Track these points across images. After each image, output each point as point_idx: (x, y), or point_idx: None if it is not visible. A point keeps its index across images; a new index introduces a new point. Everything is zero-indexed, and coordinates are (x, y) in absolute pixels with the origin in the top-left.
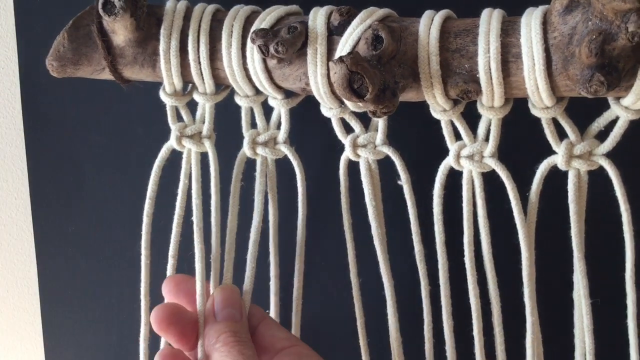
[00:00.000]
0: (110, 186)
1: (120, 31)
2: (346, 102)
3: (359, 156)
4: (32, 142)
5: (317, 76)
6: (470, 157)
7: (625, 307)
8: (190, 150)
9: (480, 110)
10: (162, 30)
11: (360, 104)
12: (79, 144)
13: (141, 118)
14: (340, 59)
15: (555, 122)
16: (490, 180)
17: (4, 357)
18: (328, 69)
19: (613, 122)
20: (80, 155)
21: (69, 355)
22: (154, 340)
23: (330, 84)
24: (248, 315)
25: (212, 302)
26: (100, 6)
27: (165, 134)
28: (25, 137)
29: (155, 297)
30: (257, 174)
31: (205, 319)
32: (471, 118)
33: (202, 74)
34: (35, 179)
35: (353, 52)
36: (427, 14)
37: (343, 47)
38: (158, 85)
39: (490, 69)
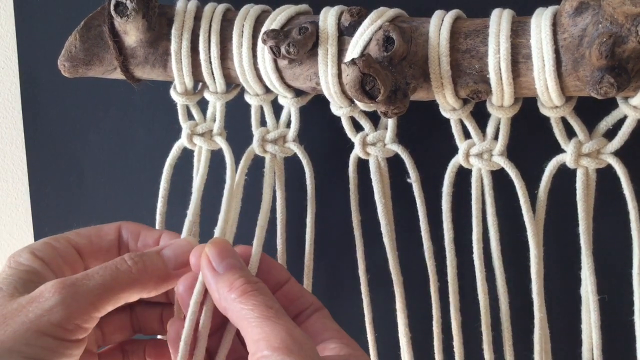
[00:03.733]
0: (110, 186)
1: (131, 32)
2: (357, 102)
3: (368, 154)
4: (32, 142)
5: (327, 76)
6: (480, 155)
7: (632, 303)
8: (201, 148)
9: (490, 109)
10: (173, 31)
11: (372, 105)
12: (79, 144)
13: (141, 118)
14: (353, 61)
15: (564, 121)
16: (499, 178)
17: None
18: (339, 69)
19: (621, 121)
20: (80, 155)
21: None
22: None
23: (340, 84)
24: (270, 275)
25: (208, 260)
26: (112, 7)
27: (165, 135)
28: (25, 137)
29: None
30: (266, 171)
31: (205, 279)
32: (480, 117)
33: (213, 74)
34: (35, 179)
35: (365, 54)
36: (437, 14)
37: (354, 48)
38: (158, 85)
39: (500, 70)
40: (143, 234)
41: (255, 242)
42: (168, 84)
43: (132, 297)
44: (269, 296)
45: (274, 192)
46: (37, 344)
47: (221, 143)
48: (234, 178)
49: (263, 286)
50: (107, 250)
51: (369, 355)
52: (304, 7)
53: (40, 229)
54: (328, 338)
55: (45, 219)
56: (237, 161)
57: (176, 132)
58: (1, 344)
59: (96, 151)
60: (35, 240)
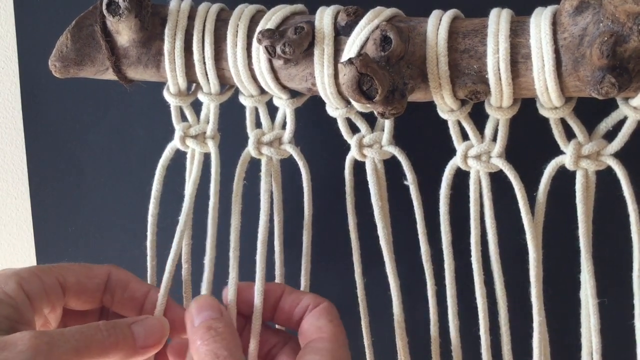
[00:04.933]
0: (110, 186)
1: (124, 32)
2: (354, 103)
3: (365, 156)
4: (32, 142)
5: (324, 77)
6: (478, 157)
7: (632, 307)
8: (194, 151)
9: (488, 110)
10: (166, 30)
11: (369, 106)
12: (79, 144)
13: (141, 118)
14: (350, 60)
15: (563, 122)
16: (497, 180)
17: None
18: (335, 70)
19: (621, 122)
20: (80, 155)
21: None
22: None
23: (337, 85)
24: (268, 292)
25: (189, 316)
26: (104, 7)
27: (165, 135)
28: (25, 137)
29: None
30: (263, 174)
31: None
32: (479, 118)
33: (206, 74)
34: (35, 179)
35: (362, 54)
36: (435, 13)
37: (351, 48)
38: (159, 85)
39: (499, 70)
40: (131, 286)
41: (258, 255)
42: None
43: None
44: (222, 343)
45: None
46: None
47: (211, 147)
48: (218, 184)
49: (222, 332)
50: (92, 292)
51: (364, 359)
52: (299, 6)
53: (40, 229)
54: (306, 342)
55: (45, 219)
56: (232, 163)
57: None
58: None
59: (96, 151)
60: (35, 240)
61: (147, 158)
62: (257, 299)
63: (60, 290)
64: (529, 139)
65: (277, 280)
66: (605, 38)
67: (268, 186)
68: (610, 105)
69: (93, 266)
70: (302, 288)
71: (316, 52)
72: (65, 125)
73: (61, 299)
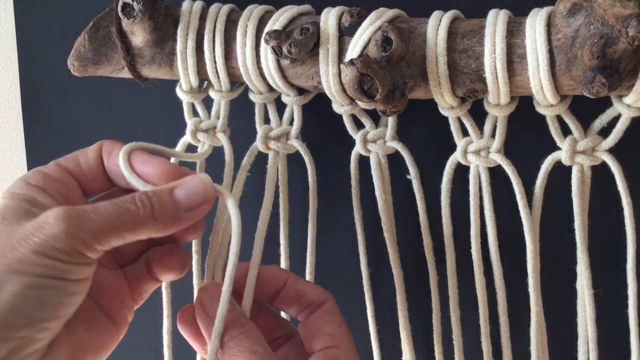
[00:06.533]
0: None
1: (138, 32)
2: (357, 101)
3: (369, 151)
4: (32, 142)
5: (328, 75)
6: (477, 152)
7: (626, 297)
8: (204, 145)
9: (487, 107)
10: (178, 31)
11: (371, 104)
12: (79, 144)
13: (141, 118)
14: (351, 61)
15: (559, 119)
16: (496, 175)
17: None
18: (339, 69)
19: (615, 119)
20: None
21: None
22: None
23: (341, 83)
24: (272, 278)
25: (200, 306)
26: (119, 9)
27: (165, 135)
28: (25, 137)
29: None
30: (269, 167)
31: (200, 325)
32: (478, 115)
33: (217, 73)
34: None
35: (363, 55)
36: (435, 14)
37: (353, 48)
38: (159, 85)
39: (496, 69)
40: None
41: (257, 238)
42: (169, 84)
43: (139, 237)
44: (254, 339)
45: (276, 188)
46: (44, 265)
47: (223, 140)
48: (231, 175)
49: (250, 328)
50: (96, 168)
51: (370, 347)
52: (306, 7)
53: None
54: (318, 348)
55: None
56: (240, 158)
57: (176, 132)
58: (10, 266)
59: None
60: None
61: None
62: (250, 278)
63: (68, 175)
64: (527, 136)
65: None
66: (596, 40)
67: (273, 177)
68: (605, 103)
69: (84, 149)
70: (307, 279)
71: (321, 52)
72: (65, 125)
73: (72, 182)
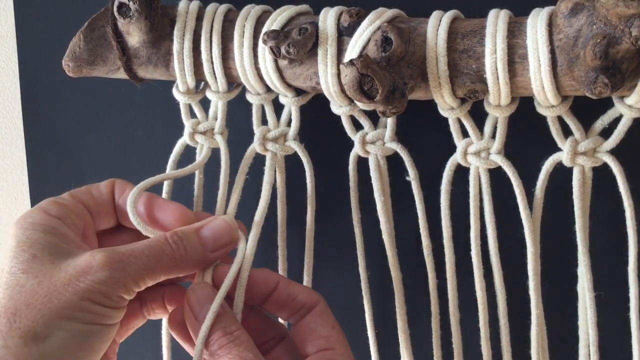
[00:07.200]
0: None
1: (134, 33)
2: (356, 102)
3: (368, 153)
4: (32, 142)
5: (327, 76)
6: (477, 153)
7: (627, 300)
8: (202, 146)
9: (487, 108)
10: (175, 31)
11: (370, 105)
12: (79, 144)
13: (141, 118)
14: (351, 61)
15: (560, 119)
16: (496, 176)
17: None
18: (338, 69)
19: (617, 120)
20: (80, 155)
21: None
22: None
23: (340, 84)
24: (263, 281)
25: (188, 307)
26: (115, 9)
27: (166, 135)
28: (25, 137)
29: None
30: (267, 168)
31: (189, 328)
32: (478, 116)
33: (214, 73)
34: (35, 179)
35: (363, 55)
36: (435, 14)
37: (353, 48)
38: (159, 85)
39: (497, 70)
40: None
41: (250, 239)
42: (168, 84)
43: (170, 276)
44: (244, 345)
45: (274, 190)
46: (90, 311)
47: (220, 142)
48: (227, 177)
49: (240, 334)
50: (107, 203)
51: (368, 351)
52: (304, 7)
53: None
54: (313, 351)
55: None
56: (238, 160)
57: (176, 132)
58: (58, 312)
59: (96, 151)
60: None
61: (147, 158)
62: (241, 281)
63: (82, 206)
64: (527, 137)
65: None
66: (598, 40)
67: (270, 178)
68: (606, 104)
69: (96, 184)
70: (305, 283)
71: (320, 52)
72: (65, 125)
73: (87, 214)
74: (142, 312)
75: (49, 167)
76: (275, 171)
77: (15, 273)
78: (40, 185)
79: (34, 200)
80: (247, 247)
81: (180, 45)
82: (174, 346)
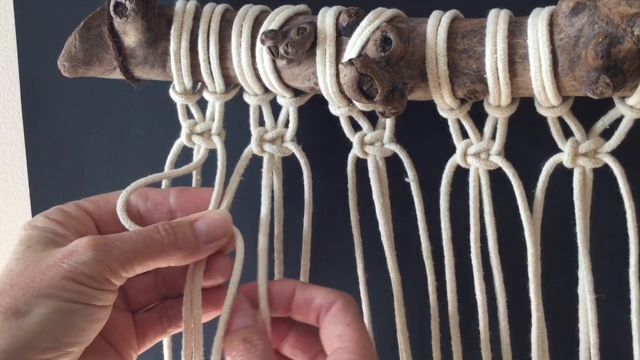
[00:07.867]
0: (110, 186)
1: (131, 32)
2: (355, 102)
3: (366, 154)
4: (32, 142)
5: (326, 76)
6: (477, 155)
7: (629, 302)
8: (200, 147)
9: (487, 109)
10: (172, 31)
11: (370, 105)
12: (79, 144)
13: (141, 118)
14: (350, 61)
15: (561, 120)
16: (496, 177)
17: None
18: (337, 70)
19: (618, 121)
20: (80, 155)
21: None
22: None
23: (339, 84)
24: (279, 291)
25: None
26: (111, 8)
27: (166, 135)
28: (25, 137)
29: None
30: (264, 171)
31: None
32: (478, 116)
33: (212, 74)
34: (35, 179)
35: (362, 55)
36: (435, 14)
37: (352, 48)
38: (159, 85)
39: (497, 70)
40: (152, 194)
41: (259, 254)
42: (168, 84)
43: (161, 264)
44: (255, 355)
45: (272, 192)
46: (71, 290)
47: (217, 143)
48: (223, 178)
49: (257, 344)
50: (115, 213)
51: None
52: (302, 7)
53: None
54: (329, 352)
55: None
56: (235, 161)
57: (176, 132)
58: (40, 290)
59: (96, 151)
60: None
61: (148, 158)
62: (261, 291)
63: (87, 215)
64: (528, 137)
65: (277, 277)
66: (600, 39)
67: (269, 182)
68: (607, 104)
69: (108, 193)
70: None
71: (318, 52)
72: (65, 125)
73: (91, 222)
74: (161, 323)
75: (49, 167)
76: (272, 173)
77: (9, 263)
78: (40, 185)
79: (34, 200)
80: (259, 260)
81: (177, 46)
82: (175, 346)
